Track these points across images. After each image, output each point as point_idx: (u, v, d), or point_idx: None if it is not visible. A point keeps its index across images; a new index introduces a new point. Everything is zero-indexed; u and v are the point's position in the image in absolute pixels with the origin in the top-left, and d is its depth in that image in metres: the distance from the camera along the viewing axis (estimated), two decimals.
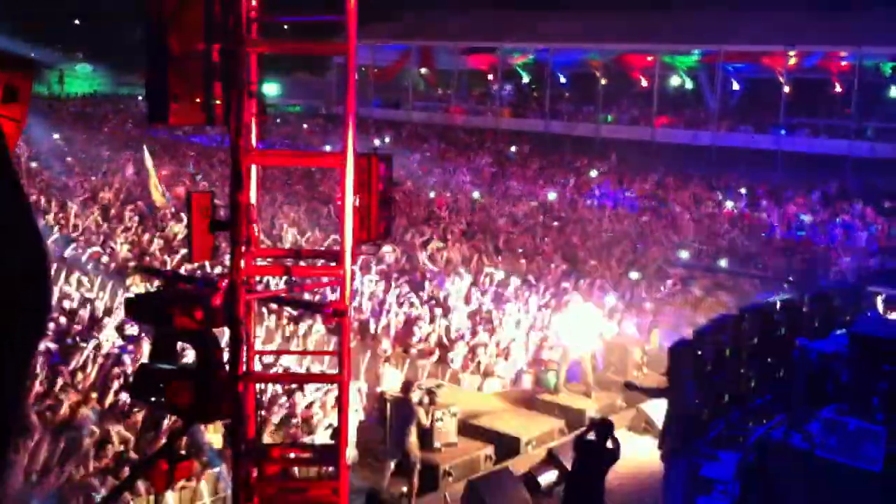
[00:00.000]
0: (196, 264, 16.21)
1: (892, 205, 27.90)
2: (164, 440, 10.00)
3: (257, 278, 8.09)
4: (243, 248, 6.91)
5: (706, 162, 36.00)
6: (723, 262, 22.36)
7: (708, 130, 37.98)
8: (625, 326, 16.95)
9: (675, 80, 42.10)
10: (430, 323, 16.60)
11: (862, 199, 28.60)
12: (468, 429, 13.26)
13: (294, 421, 11.70)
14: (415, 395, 11.89)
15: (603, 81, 41.22)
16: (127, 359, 12.68)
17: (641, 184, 33.19)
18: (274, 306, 15.71)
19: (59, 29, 58.00)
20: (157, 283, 16.48)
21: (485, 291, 18.72)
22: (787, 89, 36.43)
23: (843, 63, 35.68)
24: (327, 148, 31.40)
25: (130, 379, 9.54)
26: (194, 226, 6.95)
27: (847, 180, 31.74)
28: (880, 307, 15.51)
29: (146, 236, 20.57)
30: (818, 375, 11.44)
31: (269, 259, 8.47)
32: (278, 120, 46.26)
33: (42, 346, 12.22)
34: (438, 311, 17.15)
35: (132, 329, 13.99)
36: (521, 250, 23.12)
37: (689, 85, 41.69)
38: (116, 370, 12.26)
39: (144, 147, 22.21)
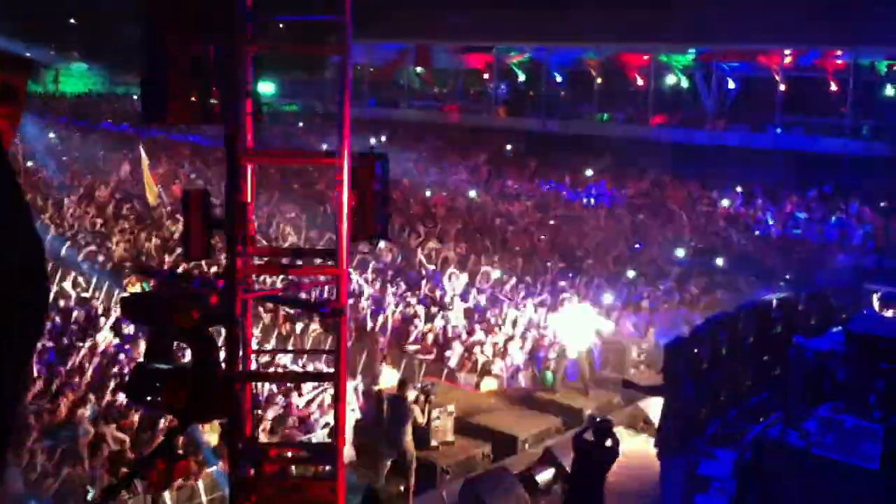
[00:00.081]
0: (192, 263, 16.18)
1: (887, 203, 27.93)
2: (160, 440, 10.00)
3: (254, 277, 8.08)
4: (240, 248, 6.90)
5: (702, 161, 35.99)
6: (719, 261, 22.38)
7: (704, 129, 37.97)
8: (622, 325, 16.96)
9: (670, 79, 42.09)
10: (427, 322, 16.60)
11: (858, 198, 28.63)
12: (465, 427, 13.26)
13: (291, 420, 11.69)
14: (411, 394, 11.89)
15: (599, 80, 41.19)
16: (123, 358, 12.66)
17: (638, 182, 33.19)
18: (270, 305, 15.69)
19: (54, 28, 57.86)
20: (153, 282, 16.45)
21: (481, 290, 18.72)
22: (782, 88, 36.43)
23: (839, 62, 35.68)
24: (324, 147, 31.38)
25: (127, 378, 9.51)
26: (190, 225, 6.94)
27: (843, 179, 31.75)
28: (876, 305, 15.53)
29: (142, 235, 20.54)
30: (814, 373, 11.45)
31: (265, 258, 8.47)
32: (274, 119, 46.18)
33: (39, 346, 12.21)
34: (435, 309, 17.15)
35: (128, 328, 13.98)
36: (517, 249, 23.12)
37: (684, 84, 41.67)
38: (113, 370, 12.24)
39: (141, 146, 22.15)
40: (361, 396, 13.32)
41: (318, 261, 8.24)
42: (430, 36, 45.18)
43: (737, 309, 13.74)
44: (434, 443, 12.46)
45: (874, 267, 21.45)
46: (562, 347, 14.93)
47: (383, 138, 41.51)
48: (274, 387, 12.39)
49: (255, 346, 11.36)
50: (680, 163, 35.06)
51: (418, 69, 48.80)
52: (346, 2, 6.72)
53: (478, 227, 25.77)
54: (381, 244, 19.63)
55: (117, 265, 18.30)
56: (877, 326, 12.21)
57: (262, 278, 15.68)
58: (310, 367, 13.83)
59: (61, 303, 15.49)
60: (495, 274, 19.82)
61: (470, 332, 16.28)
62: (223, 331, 7.12)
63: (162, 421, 10.65)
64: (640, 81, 40.91)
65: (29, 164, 28.05)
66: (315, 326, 15.89)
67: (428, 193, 30.28)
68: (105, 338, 13.61)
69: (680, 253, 23.17)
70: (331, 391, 11.04)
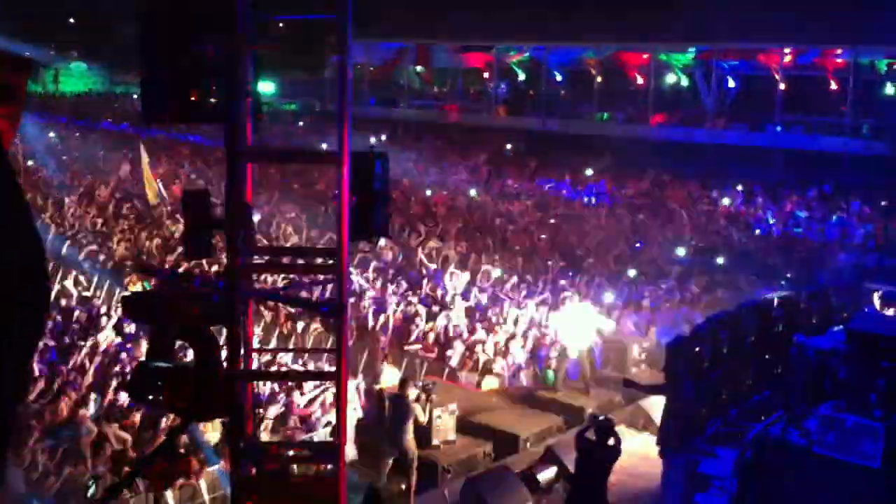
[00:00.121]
0: (193, 263, 16.19)
1: (888, 202, 27.93)
2: (162, 439, 10.00)
3: (255, 276, 8.08)
4: (240, 247, 6.90)
5: (702, 160, 35.99)
6: (720, 260, 22.37)
7: (704, 128, 37.97)
8: (623, 324, 16.96)
9: (670, 78, 42.09)
10: (429, 321, 16.60)
11: (858, 197, 28.62)
12: (467, 426, 13.25)
13: (292, 419, 11.69)
14: (412, 393, 11.89)
15: (599, 79, 41.18)
16: (125, 357, 12.66)
17: (638, 182, 33.19)
18: (272, 304, 15.70)
19: (54, 27, 57.84)
20: (154, 281, 16.46)
21: (482, 289, 18.71)
22: (782, 87, 36.42)
23: (839, 61, 35.67)
24: (324, 146, 31.36)
25: (128, 377, 9.52)
26: (191, 224, 6.94)
27: (843, 178, 31.74)
28: (877, 304, 15.54)
29: (143, 235, 20.54)
30: (816, 372, 11.45)
31: (266, 257, 8.47)
32: (274, 119, 46.18)
33: (40, 345, 12.21)
34: (436, 308, 17.15)
35: (130, 328, 13.98)
36: (518, 248, 23.12)
37: (684, 83, 41.67)
38: (115, 369, 12.24)
39: (142, 145, 22.12)
40: (363, 395, 13.32)
41: (318, 260, 8.24)
42: (429, 35, 45.18)
43: (738, 308, 13.73)
44: (435, 442, 12.46)
45: (875, 266, 21.45)
46: (563, 346, 14.93)
47: (383, 137, 41.49)
48: (276, 386, 12.39)
49: (256, 346, 11.37)
50: (680, 162, 35.05)
51: (418, 68, 48.79)
52: (345, 1, 6.71)
53: (478, 226, 25.77)
54: (382, 243, 19.65)
55: (118, 264, 18.30)
56: (878, 325, 12.21)
57: (263, 277, 15.68)
58: (311, 366, 13.83)
59: (63, 302, 15.49)
60: (496, 273, 19.82)
61: (471, 331, 16.28)
62: (224, 330, 7.12)
63: (163, 420, 10.65)
64: (639, 80, 40.91)
65: (29, 163, 28.04)
66: (316, 326, 15.89)
67: (428, 193, 30.27)
68: (107, 337, 13.61)
69: (681, 252, 23.16)
70: (332, 390, 11.04)
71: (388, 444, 11.54)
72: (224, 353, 7.11)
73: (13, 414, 1.05)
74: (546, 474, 11.95)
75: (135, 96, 47.22)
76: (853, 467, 10.01)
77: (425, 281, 18.99)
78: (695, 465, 10.71)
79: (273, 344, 15.26)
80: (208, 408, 6.89)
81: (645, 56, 39.99)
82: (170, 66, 6.43)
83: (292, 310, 15.91)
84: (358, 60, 41.75)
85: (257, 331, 14.58)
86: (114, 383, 11.67)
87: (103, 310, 15.36)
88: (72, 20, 62.40)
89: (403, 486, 11.46)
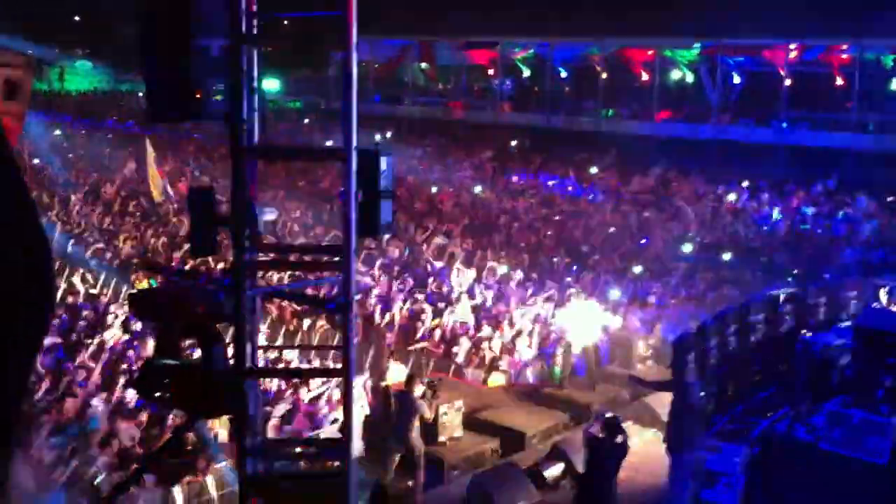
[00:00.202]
0: (199, 260, 16.21)
1: (894, 198, 27.85)
2: (169, 436, 10.03)
3: (261, 273, 8.09)
4: (246, 244, 6.90)
5: (707, 156, 35.92)
6: (726, 256, 22.33)
7: (709, 124, 37.89)
8: (629, 320, 16.94)
9: (675, 74, 42.00)
10: (434, 318, 16.60)
11: (865, 193, 28.54)
12: (473, 423, 13.27)
13: (299, 416, 11.71)
14: (418, 390, 11.90)
15: (603, 76, 41.11)
16: (132, 355, 12.69)
17: (643, 178, 33.14)
18: (278, 301, 15.71)
19: (59, 26, 57.91)
20: (160, 278, 16.49)
21: (488, 286, 18.71)
22: (788, 83, 36.33)
23: (845, 56, 35.57)
24: (328, 143, 31.37)
25: (136, 375, 9.54)
26: (196, 222, 6.95)
27: (849, 174, 31.66)
28: (884, 300, 15.49)
29: (149, 232, 20.57)
30: (822, 368, 11.44)
31: (272, 254, 8.47)
32: (279, 116, 46.22)
33: (48, 342, 12.24)
34: (442, 305, 17.15)
35: (137, 325, 14.01)
36: (523, 245, 23.12)
37: (689, 79, 41.57)
38: (122, 367, 12.27)
39: (147, 141, 22.08)
40: (370, 392, 13.33)
41: (324, 257, 8.24)
42: (433, 32, 45.15)
43: (744, 304, 13.72)
44: (442, 438, 12.48)
45: (881, 262, 21.39)
46: (568, 343, 14.93)
47: (388, 135, 41.51)
48: (282, 383, 12.41)
49: (262, 343, 11.38)
50: (685, 158, 34.99)
51: (423, 65, 48.75)
52: None
53: (483, 223, 25.77)
54: (388, 240, 19.67)
55: (125, 262, 18.32)
56: (885, 321, 12.17)
57: (269, 275, 15.69)
58: (316, 363, 13.85)
59: (69, 299, 15.53)
60: (502, 270, 19.81)
61: (477, 328, 16.29)
62: (231, 327, 7.13)
63: (170, 417, 10.67)
64: (644, 77, 40.83)
65: (35, 161, 28.09)
66: (322, 323, 15.90)
67: (433, 190, 30.26)
68: (114, 335, 13.64)
69: (686, 248, 23.13)
70: (338, 387, 11.06)
71: (394, 441, 11.56)
72: (230, 351, 7.12)
73: (18, 412, 1.05)
74: (552, 471, 11.95)
75: (140, 94, 47.25)
76: (860, 464, 9.99)
77: (431, 278, 18.99)
78: (702, 461, 10.70)
79: (279, 341, 15.28)
80: (215, 405, 6.91)
81: (650, 52, 39.92)
82: (174, 65, 6.43)
83: (298, 307, 15.92)
84: (362, 58, 41.71)
85: (263, 328, 14.59)
86: (121, 381, 11.69)
87: (110, 308, 15.38)
88: (77, 18, 62.48)
89: (410, 483, 11.47)
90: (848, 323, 13.13)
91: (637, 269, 20.35)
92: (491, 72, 46.67)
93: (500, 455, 12.79)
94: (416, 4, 45.57)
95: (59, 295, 15.18)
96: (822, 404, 10.93)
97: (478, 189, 31.25)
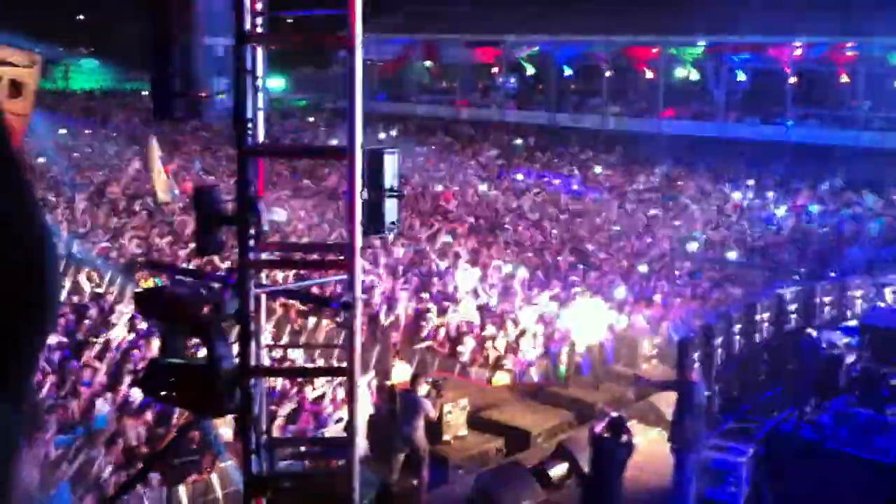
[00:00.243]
0: (204, 259, 16.21)
1: None
2: (174, 435, 10.03)
3: (266, 273, 8.09)
4: (251, 243, 6.91)
5: (713, 154, 35.88)
6: (731, 255, 22.29)
7: (714, 122, 37.84)
8: (634, 319, 16.91)
9: (680, 72, 41.95)
10: (440, 316, 16.59)
11: (871, 190, 28.48)
12: (478, 422, 13.25)
13: (304, 415, 11.71)
14: (422, 389, 11.89)
15: (608, 73, 41.08)
16: (137, 354, 12.70)
17: (648, 176, 33.11)
18: (283, 300, 15.69)
19: (64, 24, 57.97)
20: (165, 278, 16.50)
21: (493, 285, 18.69)
22: (793, 80, 36.26)
23: (850, 54, 35.49)
24: (334, 142, 31.36)
25: (141, 374, 9.55)
26: (202, 221, 6.95)
27: (855, 171, 31.59)
28: (890, 298, 15.45)
29: (154, 231, 20.58)
30: (828, 367, 11.42)
31: (277, 253, 8.48)
32: (285, 114, 46.26)
33: (53, 342, 12.25)
34: (447, 304, 17.14)
35: (142, 324, 14.01)
36: (528, 243, 23.10)
37: (694, 76, 41.50)
38: (127, 366, 12.28)
39: (154, 140, 22.04)
40: (375, 391, 13.32)
41: (329, 256, 8.24)
42: (438, 30, 45.16)
43: (750, 303, 13.70)
44: (447, 437, 12.46)
45: (888, 260, 21.33)
46: (573, 342, 14.90)
47: (393, 133, 41.54)
48: (287, 382, 12.40)
49: (267, 342, 11.37)
50: (691, 156, 34.96)
51: (427, 64, 48.77)
52: None
53: (488, 221, 25.75)
54: (393, 239, 19.65)
55: (130, 261, 18.33)
56: (891, 320, 12.16)
57: (274, 273, 15.69)
58: (320, 363, 13.85)
59: (75, 299, 15.54)
60: (507, 268, 19.79)
61: (482, 327, 16.27)
62: (236, 326, 7.13)
63: (175, 416, 10.68)
64: (649, 74, 40.78)
65: (40, 160, 28.12)
66: (327, 321, 15.89)
67: (438, 188, 30.25)
68: (119, 334, 13.65)
69: (692, 247, 23.09)
70: (342, 386, 11.04)
71: (399, 440, 11.54)
72: (235, 350, 7.12)
73: (19, 413, 1.04)
74: (557, 470, 11.93)
75: (145, 93, 47.29)
76: (866, 462, 9.98)
77: (436, 277, 18.97)
78: (707, 460, 10.69)
79: (284, 340, 15.28)
80: (220, 404, 6.92)
81: (655, 50, 39.86)
82: (179, 64, 6.44)
83: (303, 306, 15.92)
84: (367, 56, 41.75)
85: (268, 327, 14.59)
86: (127, 380, 11.70)
87: (116, 307, 15.40)
88: (82, 17, 62.55)
89: (414, 482, 11.46)
90: (854, 322, 13.11)
91: (642, 268, 20.32)
92: (496, 70, 46.67)
93: (504, 454, 12.77)
94: (422, 2, 45.58)
95: (64, 294, 15.20)
96: (828, 403, 10.92)
97: (483, 187, 31.23)
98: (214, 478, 10.06)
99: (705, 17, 36.31)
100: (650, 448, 12.48)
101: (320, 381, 12.48)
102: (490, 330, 16.07)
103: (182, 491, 9.61)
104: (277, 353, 13.22)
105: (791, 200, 28.92)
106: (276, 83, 51.73)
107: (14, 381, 1.01)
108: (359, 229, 6.95)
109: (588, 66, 43.47)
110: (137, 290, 13.21)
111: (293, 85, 54.38)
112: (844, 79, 36.42)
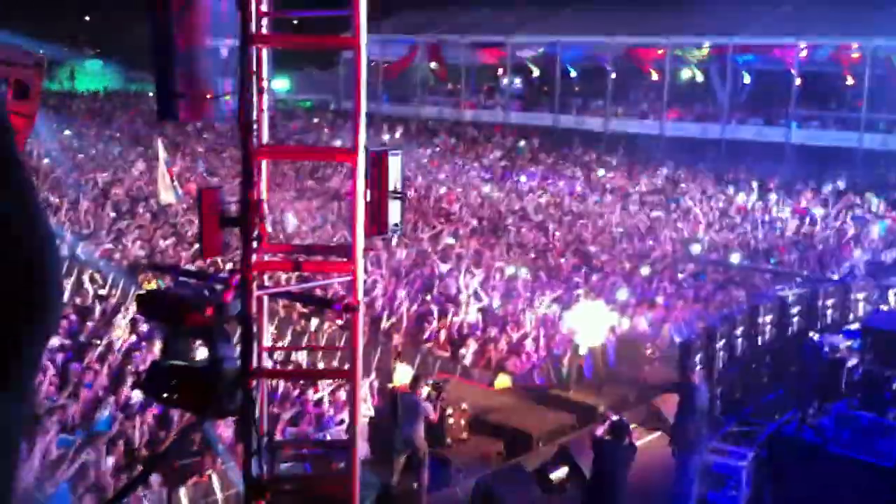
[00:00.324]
0: (207, 261, 16.23)
1: None
2: (175, 436, 10.04)
3: (268, 274, 8.09)
4: (254, 244, 6.91)
5: (716, 155, 35.87)
6: (734, 257, 22.26)
7: (718, 123, 37.82)
8: (636, 321, 16.91)
9: (685, 74, 41.94)
10: (442, 319, 16.59)
11: (874, 193, 28.44)
12: (479, 425, 13.26)
13: (305, 417, 11.71)
14: (423, 391, 11.89)
15: (613, 75, 41.07)
16: (139, 356, 12.71)
17: (652, 177, 33.09)
18: (285, 302, 15.71)
19: (69, 25, 58.09)
20: (168, 279, 16.52)
21: (496, 287, 18.69)
22: (797, 82, 36.23)
23: (855, 55, 35.45)
24: (338, 143, 31.41)
25: (143, 376, 9.56)
26: (205, 222, 6.96)
27: (859, 173, 31.56)
28: (892, 301, 15.43)
29: (158, 233, 20.61)
30: (831, 370, 11.40)
31: (280, 255, 8.48)
32: (289, 115, 46.30)
33: (56, 343, 12.27)
34: (450, 306, 17.14)
35: (145, 326, 14.03)
36: (531, 245, 23.09)
37: (699, 78, 41.48)
38: (129, 367, 12.29)
39: (159, 141, 22.05)
40: (376, 393, 13.33)
41: (332, 257, 8.24)
42: (442, 32, 45.19)
43: (752, 305, 13.69)
44: (448, 440, 12.46)
45: (891, 262, 21.31)
46: (576, 344, 14.90)
47: (397, 134, 41.58)
48: (289, 384, 12.41)
49: (269, 344, 11.38)
50: (694, 157, 34.95)
51: (431, 65, 48.79)
52: None
53: (492, 223, 25.75)
54: (396, 241, 19.66)
55: (133, 263, 18.36)
56: (893, 323, 12.13)
57: (277, 275, 15.70)
58: (321, 365, 13.86)
59: (78, 300, 15.56)
60: (510, 270, 19.78)
61: (484, 329, 16.27)
62: (238, 328, 7.14)
63: (176, 418, 10.69)
64: (654, 76, 40.76)
65: (44, 161, 28.18)
66: (329, 323, 15.91)
67: (442, 189, 30.26)
68: (121, 336, 13.67)
69: (695, 249, 23.07)
70: (345, 388, 11.05)
71: (400, 443, 11.55)
72: (237, 351, 7.12)
73: (19, 415, 1.05)
74: (559, 473, 11.93)
75: (150, 94, 47.32)
76: (868, 466, 9.96)
77: (438, 279, 18.97)
78: (709, 463, 10.68)
79: (287, 342, 15.29)
80: (222, 406, 6.92)
81: (659, 51, 39.84)
82: (183, 65, 6.45)
83: (306, 308, 15.93)
84: (371, 57, 41.81)
85: (271, 329, 14.60)
86: (128, 381, 11.72)
87: (119, 308, 15.42)
88: (87, 18, 62.67)
89: (415, 485, 11.46)
90: (856, 325, 13.08)
91: (645, 270, 20.30)
92: (500, 71, 46.69)
93: (505, 457, 12.77)
94: (426, 3, 45.59)
95: (67, 296, 15.22)
96: (830, 406, 10.90)
97: (486, 189, 31.23)
98: (215, 480, 10.07)
99: (710, 18, 36.32)
100: (652, 451, 12.48)
101: (322, 383, 12.48)
102: (492, 332, 16.06)
103: (182, 493, 9.62)
104: (280, 355, 13.23)
105: (794, 202, 28.89)
106: (281, 84, 51.81)
107: (15, 382, 1.01)
108: (362, 231, 6.96)
109: (592, 68, 43.48)
110: (140, 291, 13.24)
111: (297, 86, 54.46)
112: (849, 80, 36.37)
